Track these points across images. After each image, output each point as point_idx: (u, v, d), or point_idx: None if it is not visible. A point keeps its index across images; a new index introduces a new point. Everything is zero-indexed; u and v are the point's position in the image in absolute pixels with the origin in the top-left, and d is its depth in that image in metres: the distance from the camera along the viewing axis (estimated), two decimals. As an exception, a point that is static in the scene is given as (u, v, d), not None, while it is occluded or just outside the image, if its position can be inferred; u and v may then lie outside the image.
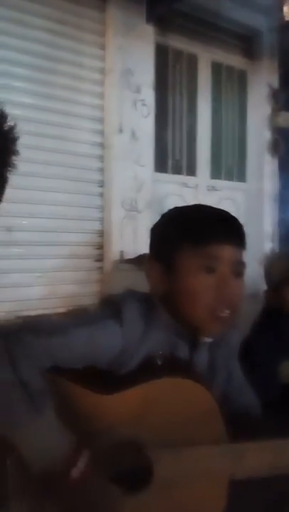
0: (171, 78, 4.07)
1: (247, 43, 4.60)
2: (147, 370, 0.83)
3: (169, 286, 0.89)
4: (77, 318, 0.88)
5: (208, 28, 4.26)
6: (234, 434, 0.84)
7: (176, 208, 0.98)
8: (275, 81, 4.53)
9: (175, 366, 0.84)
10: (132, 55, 3.58)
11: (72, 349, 0.81)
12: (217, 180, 4.34)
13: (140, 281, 3.32)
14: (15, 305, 3.18)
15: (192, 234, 0.88)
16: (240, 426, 0.95)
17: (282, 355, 1.38)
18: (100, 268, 3.54)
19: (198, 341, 0.93)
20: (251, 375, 1.34)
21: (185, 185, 4.11)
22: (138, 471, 0.75)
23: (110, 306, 0.89)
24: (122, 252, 3.38)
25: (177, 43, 4.10)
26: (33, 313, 3.00)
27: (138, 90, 3.58)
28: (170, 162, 4.03)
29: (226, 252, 0.88)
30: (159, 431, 0.76)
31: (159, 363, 0.83)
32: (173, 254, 0.90)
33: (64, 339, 0.81)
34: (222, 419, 0.79)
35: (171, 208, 0.98)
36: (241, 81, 4.56)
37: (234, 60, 4.51)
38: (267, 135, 4.47)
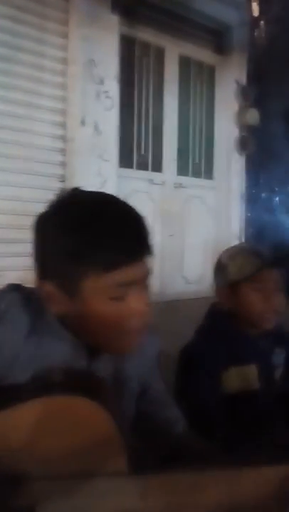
0: (137, 71, 3.95)
1: (216, 38, 4.52)
2: (35, 382, 0.70)
3: (70, 307, 0.77)
4: None
5: (177, 20, 4.16)
6: (155, 457, 0.74)
7: (70, 207, 0.78)
8: (243, 77, 4.48)
9: (69, 380, 0.71)
10: (96, 46, 3.45)
11: None
12: (184, 177, 4.26)
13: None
14: None
15: (101, 258, 0.73)
16: (158, 445, 0.86)
17: (228, 360, 1.27)
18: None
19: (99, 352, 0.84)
20: (191, 383, 1.26)
21: (151, 181, 4.01)
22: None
23: None
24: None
25: (144, 34, 3.98)
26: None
27: (101, 82, 3.45)
28: (135, 157, 3.92)
29: (138, 272, 0.77)
30: (45, 461, 0.63)
31: (51, 375, 0.70)
32: (76, 280, 0.75)
33: None
34: (122, 444, 0.65)
35: (60, 200, 0.78)
36: (209, 76, 4.49)
37: (203, 54, 4.43)
38: (235, 132, 4.41)
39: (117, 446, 0.65)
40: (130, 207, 0.81)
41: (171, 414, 0.94)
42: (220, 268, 1.34)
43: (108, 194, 0.83)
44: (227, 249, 1.37)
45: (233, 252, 1.34)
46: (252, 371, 1.28)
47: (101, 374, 0.81)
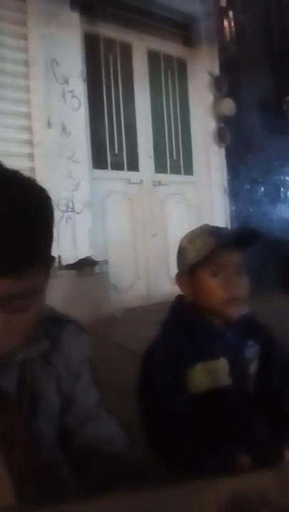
0: (104, 68, 3.83)
1: (184, 30, 4.41)
2: None
3: None
4: None
5: (142, 15, 4.05)
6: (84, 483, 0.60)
7: None
8: (215, 68, 4.36)
9: None
10: (57, 45, 3.32)
11: None
12: (163, 175, 4.11)
13: (82, 289, 2.97)
14: None
15: None
16: (86, 468, 0.71)
17: (194, 356, 1.12)
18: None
19: None
20: (152, 386, 1.10)
21: (128, 181, 3.87)
22: None
23: None
24: (59, 258, 3.11)
25: (108, 31, 3.86)
26: None
27: (66, 81, 3.32)
28: (109, 157, 3.77)
29: None
30: None
31: None
32: None
33: None
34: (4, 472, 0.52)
35: None
36: (181, 69, 4.37)
37: (172, 48, 4.31)
38: (211, 124, 4.28)
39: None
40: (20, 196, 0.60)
41: (104, 431, 0.78)
42: (179, 253, 1.21)
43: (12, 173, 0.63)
44: (188, 233, 1.23)
45: (192, 236, 1.21)
46: (222, 365, 1.13)
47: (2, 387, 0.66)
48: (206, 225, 1.25)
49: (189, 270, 1.17)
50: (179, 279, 1.20)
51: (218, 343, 1.15)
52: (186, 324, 1.16)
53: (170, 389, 1.08)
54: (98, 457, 0.74)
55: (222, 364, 1.13)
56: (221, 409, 1.10)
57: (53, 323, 0.77)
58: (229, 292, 1.12)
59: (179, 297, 1.24)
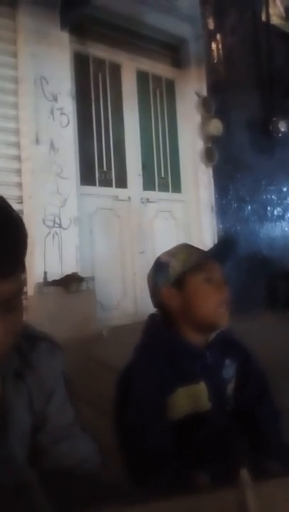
0: (94, 87, 3.86)
1: (173, 52, 4.49)
2: None
3: None
4: None
5: (131, 36, 4.11)
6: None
7: None
8: (203, 89, 4.42)
9: None
10: (47, 63, 3.35)
11: None
12: (151, 192, 4.13)
13: (67, 305, 2.93)
14: None
15: None
16: (59, 489, 0.68)
17: (174, 380, 1.07)
18: (23, 293, 3.21)
19: None
20: (132, 412, 1.06)
21: (116, 198, 3.87)
22: None
23: None
24: (45, 274, 3.07)
25: (98, 51, 3.91)
26: None
27: (55, 99, 3.34)
28: (98, 174, 3.78)
29: None
30: None
31: None
32: None
33: None
34: None
35: None
36: (169, 90, 4.43)
37: (161, 68, 4.38)
38: (199, 144, 4.32)
39: None
40: None
41: (76, 451, 0.75)
42: (160, 268, 1.19)
43: None
44: (163, 253, 1.23)
45: (173, 251, 1.21)
46: (202, 390, 1.09)
47: None
48: (184, 243, 1.27)
49: (176, 281, 1.15)
50: (165, 292, 1.17)
51: (197, 365, 1.12)
52: (165, 346, 1.12)
53: (154, 417, 1.04)
54: (71, 478, 0.71)
55: (202, 388, 1.10)
56: (199, 433, 1.06)
57: (26, 340, 0.75)
58: (222, 297, 1.13)
59: (152, 317, 1.22)
